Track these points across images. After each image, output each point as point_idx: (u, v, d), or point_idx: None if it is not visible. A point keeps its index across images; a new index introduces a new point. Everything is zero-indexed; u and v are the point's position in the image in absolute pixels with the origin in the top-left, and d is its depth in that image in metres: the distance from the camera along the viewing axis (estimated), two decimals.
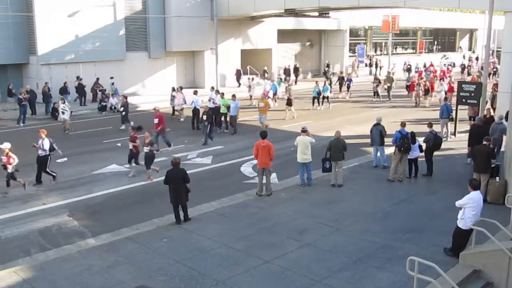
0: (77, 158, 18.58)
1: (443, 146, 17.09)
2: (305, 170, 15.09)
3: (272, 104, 28.95)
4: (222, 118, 23.67)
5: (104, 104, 29.06)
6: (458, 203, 10.08)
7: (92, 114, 28.39)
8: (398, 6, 29.74)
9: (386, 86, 33.20)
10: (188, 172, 12.44)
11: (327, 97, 29.92)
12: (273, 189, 14.54)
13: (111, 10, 31.81)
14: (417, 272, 8.27)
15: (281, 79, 36.47)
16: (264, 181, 14.29)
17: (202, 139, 20.92)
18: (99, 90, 30.86)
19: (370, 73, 46.10)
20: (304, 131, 15.11)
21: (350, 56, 51.14)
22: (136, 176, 16.32)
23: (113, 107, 28.66)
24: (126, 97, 24.68)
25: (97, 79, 31.46)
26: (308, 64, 48.04)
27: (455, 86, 28.04)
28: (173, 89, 27.33)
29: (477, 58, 56.93)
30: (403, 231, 11.64)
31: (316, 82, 30.78)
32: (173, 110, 26.86)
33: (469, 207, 9.87)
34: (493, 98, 24.72)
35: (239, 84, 38.07)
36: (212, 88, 26.76)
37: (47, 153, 15.42)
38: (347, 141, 15.57)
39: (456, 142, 20.19)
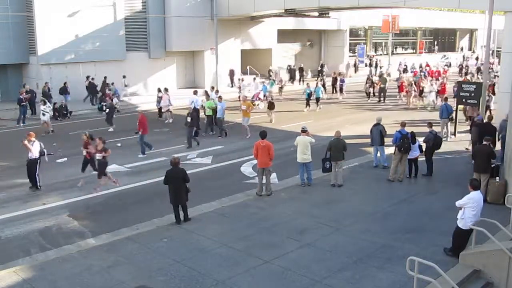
0: (77, 158, 18.50)
1: (443, 146, 17.09)
2: (305, 170, 15.08)
3: (262, 105, 28.81)
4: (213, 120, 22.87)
5: (104, 104, 29.04)
6: (458, 203, 10.08)
7: (92, 114, 28.38)
8: (398, 6, 29.72)
9: (379, 87, 32.64)
10: (188, 172, 12.44)
11: (318, 99, 29.05)
12: (273, 189, 14.54)
13: (111, 10, 31.79)
14: (417, 272, 8.27)
15: (273, 80, 35.56)
16: (264, 181, 14.29)
17: (185, 141, 20.36)
18: (109, 89, 30.94)
19: (370, 73, 46.09)
20: (304, 131, 15.11)
21: (350, 56, 51.17)
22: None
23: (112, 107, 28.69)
24: (112, 99, 24.28)
25: (105, 77, 31.55)
26: (308, 64, 48.03)
27: (450, 86, 28.08)
28: (159, 90, 26.71)
29: (477, 58, 56.88)
30: (403, 231, 11.63)
31: (307, 83, 30.13)
32: (159, 111, 26.38)
33: (469, 207, 9.87)
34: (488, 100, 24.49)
35: (232, 84, 37.76)
36: (212, 88, 26.79)
37: (37, 156, 14.78)
38: (347, 141, 15.56)
39: (456, 142, 20.19)
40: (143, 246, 10.83)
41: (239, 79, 33.83)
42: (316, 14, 44.56)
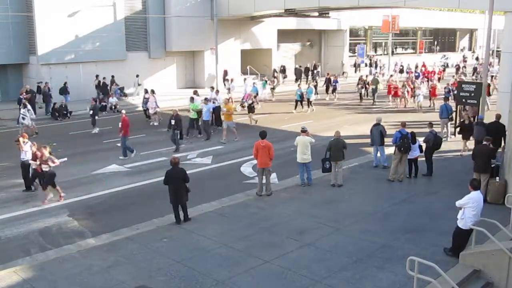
0: (77, 158, 18.57)
1: (443, 146, 17.10)
2: (305, 170, 15.09)
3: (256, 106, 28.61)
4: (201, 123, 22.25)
5: (104, 104, 29.06)
6: (458, 203, 10.08)
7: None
8: (398, 6, 29.74)
9: (371, 88, 32.27)
10: (188, 172, 12.45)
11: (309, 100, 28.54)
12: (273, 189, 14.55)
13: (111, 10, 31.78)
14: (417, 272, 8.27)
15: (265, 81, 34.76)
16: (264, 181, 14.29)
17: (174, 146, 19.89)
18: (118, 88, 31.03)
19: (370, 73, 46.09)
20: (304, 131, 15.12)
21: (350, 56, 51.17)
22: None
23: (113, 107, 28.73)
24: (96, 101, 23.88)
25: (112, 76, 31.60)
26: (308, 64, 48.04)
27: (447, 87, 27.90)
28: (146, 91, 26.11)
29: (477, 58, 56.88)
30: (403, 231, 11.63)
31: (299, 84, 29.39)
32: (145, 112, 25.92)
33: (469, 207, 9.87)
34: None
35: (225, 84, 37.44)
36: (212, 88, 26.76)
37: (30, 158, 14.46)
38: (347, 141, 15.59)
39: (456, 142, 20.17)
40: (143, 246, 10.83)
41: (228, 80, 32.91)
42: (316, 14, 44.59)
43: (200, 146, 20.47)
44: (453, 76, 38.14)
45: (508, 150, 14.03)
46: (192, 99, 22.62)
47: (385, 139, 16.85)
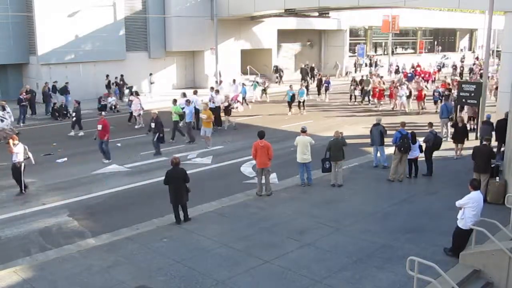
0: (77, 158, 18.57)
1: (443, 146, 17.10)
2: (305, 170, 15.09)
3: (241, 108, 28.26)
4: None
5: (104, 104, 29.05)
6: (458, 203, 10.08)
7: (92, 114, 28.32)
8: (398, 6, 29.72)
9: (362, 89, 31.94)
10: (188, 172, 12.44)
11: (303, 102, 27.93)
12: (273, 189, 14.55)
13: (111, 10, 31.80)
14: (417, 272, 8.27)
15: (257, 82, 34.08)
16: (263, 181, 14.29)
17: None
18: (127, 88, 31.03)
19: (370, 73, 46.01)
20: (303, 131, 15.12)
21: (350, 56, 51.16)
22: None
23: (112, 107, 28.71)
24: (79, 103, 23.14)
25: (121, 75, 31.56)
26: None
27: (437, 88, 27.61)
28: (131, 93, 25.48)
29: (477, 58, 56.84)
30: (403, 231, 11.64)
31: (290, 85, 28.80)
32: (130, 115, 25.21)
33: (469, 207, 9.88)
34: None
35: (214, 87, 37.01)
36: (212, 88, 26.71)
37: (21, 160, 14.33)
38: (347, 141, 15.56)
39: None
40: (143, 246, 10.83)
41: (216, 82, 32.07)
42: (316, 14, 44.58)
43: (201, 146, 20.46)
44: (445, 76, 38.02)
45: (508, 150, 14.03)
46: (175, 101, 22.03)
47: (385, 139, 16.85)
